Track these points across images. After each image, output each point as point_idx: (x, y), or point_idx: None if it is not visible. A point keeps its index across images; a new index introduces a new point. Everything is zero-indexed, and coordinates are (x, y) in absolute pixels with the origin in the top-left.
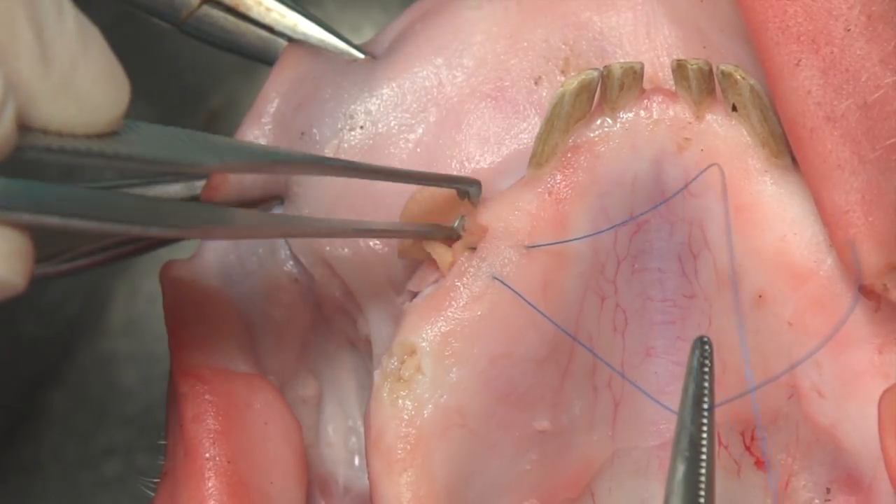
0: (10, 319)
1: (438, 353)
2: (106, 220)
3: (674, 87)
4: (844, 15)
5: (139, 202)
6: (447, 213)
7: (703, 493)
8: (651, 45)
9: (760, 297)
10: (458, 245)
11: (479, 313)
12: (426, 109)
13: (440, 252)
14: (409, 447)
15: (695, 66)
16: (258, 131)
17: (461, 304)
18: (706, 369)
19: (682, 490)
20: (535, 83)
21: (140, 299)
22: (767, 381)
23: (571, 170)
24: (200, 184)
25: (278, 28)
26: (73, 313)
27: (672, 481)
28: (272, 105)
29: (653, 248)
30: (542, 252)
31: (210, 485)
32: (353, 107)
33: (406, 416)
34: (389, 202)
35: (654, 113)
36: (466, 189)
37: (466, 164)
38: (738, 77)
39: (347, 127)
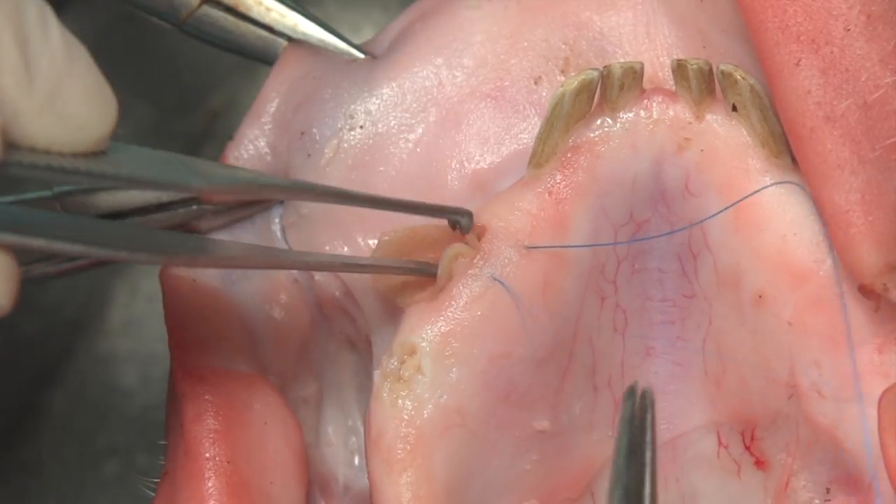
0: (10, 319)
1: (438, 353)
2: (91, 245)
3: (674, 87)
4: (844, 15)
5: (127, 229)
6: (424, 250)
7: None
8: (651, 44)
9: (760, 297)
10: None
11: (478, 313)
12: (426, 109)
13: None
14: (408, 447)
15: (695, 66)
16: (258, 131)
17: (461, 305)
18: (646, 419)
19: None
20: (535, 83)
21: (140, 299)
22: None
23: (571, 170)
24: None
25: (278, 28)
26: (73, 313)
27: None
28: (272, 105)
29: (652, 248)
30: (542, 252)
31: (210, 485)
32: (353, 106)
33: (406, 416)
34: None
35: (654, 113)
36: (458, 220)
37: (466, 163)
38: (738, 77)
39: (347, 126)
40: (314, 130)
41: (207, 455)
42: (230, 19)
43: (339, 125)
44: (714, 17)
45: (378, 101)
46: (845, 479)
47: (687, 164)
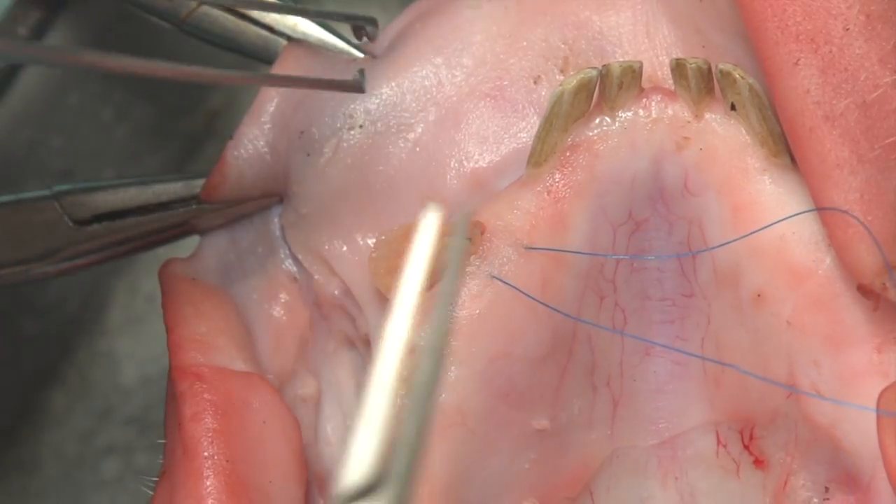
0: (10, 319)
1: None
2: None
3: (673, 87)
4: (843, 14)
5: None
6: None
7: None
8: (650, 44)
9: (759, 296)
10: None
11: (477, 312)
12: (425, 109)
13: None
14: None
15: (694, 66)
16: (258, 131)
17: (460, 303)
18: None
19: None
20: (535, 82)
21: (139, 299)
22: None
23: (570, 169)
24: (200, 182)
25: (278, 28)
26: (72, 313)
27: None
28: (272, 104)
29: (651, 247)
30: (541, 251)
31: (208, 484)
32: (352, 106)
33: None
34: (391, 203)
35: (653, 112)
36: (362, 25)
37: (465, 163)
38: (737, 76)
39: (347, 126)
40: (314, 130)
41: (206, 454)
42: (230, 19)
43: (339, 125)
44: (713, 16)
45: (377, 101)
46: (844, 479)
47: (686, 164)
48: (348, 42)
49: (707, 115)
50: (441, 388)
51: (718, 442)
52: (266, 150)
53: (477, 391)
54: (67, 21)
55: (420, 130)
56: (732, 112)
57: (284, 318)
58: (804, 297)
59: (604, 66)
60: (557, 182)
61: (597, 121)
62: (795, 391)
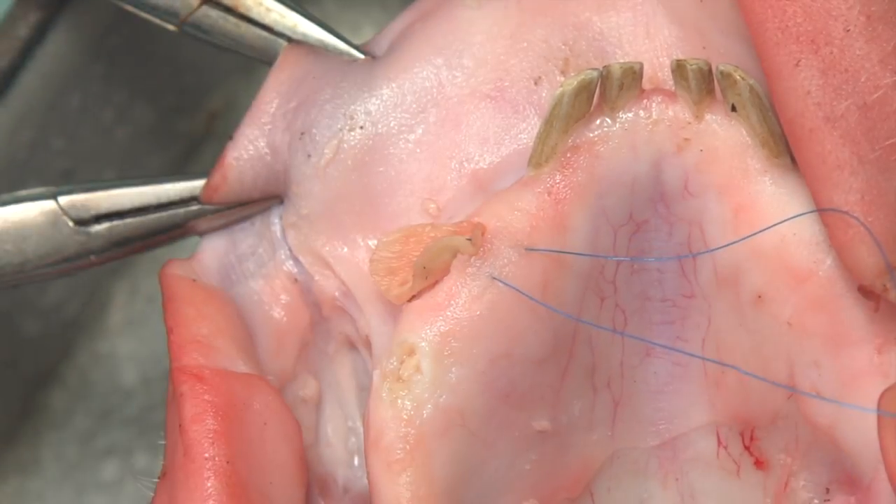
0: (10, 319)
1: (437, 354)
2: None
3: (673, 88)
4: (844, 15)
5: None
6: (416, 246)
7: None
8: (651, 45)
9: (759, 297)
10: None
11: (478, 313)
12: (426, 110)
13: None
14: (408, 447)
15: (694, 66)
16: (258, 131)
17: (460, 304)
18: None
19: None
20: (535, 83)
21: (140, 299)
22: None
23: (571, 170)
24: (200, 183)
25: (278, 28)
26: (73, 313)
27: None
28: (272, 105)
29: (652, 248)
30: (542, 252)
31: (209, 485)
32: (352, 107)
33: (405, 417)
34: (391, 203)
35: (654, 113)
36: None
37: (466, 164)
38: (738, 77)
39: (347, 127)
40: (314, 131)
41: (206, 455)
42: (230, 20)
43: (339, 125)
44: (714, 17)
45: (378, 102)
46: (845, 480)
47: (686, 165)
48: (348, 42)
49: (707, 116)
50: (442, 390)
51: (719, 443)
52: (266, 151)
53: (478, 392)
54: (67, 21)
55: (420, 131)
56: (733, 113)
57: (285, 319)
58: (805, 298)
59: (604, 67)
60: (558, 183)
61: (597, 122)
62: (796, 391)
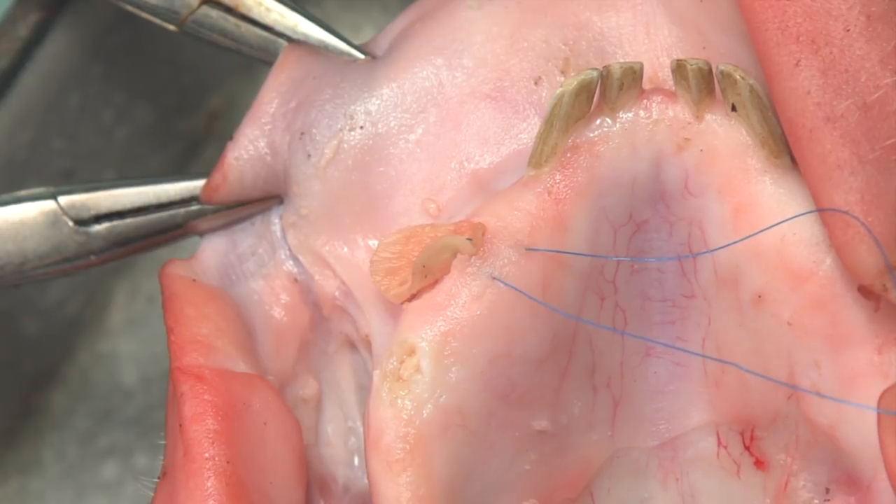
0: (10, 319)
1: (437, 353)
2: None
3: (673, 88)
4: (844, 15)
5: None
6: (416, 246)
7: None
8: (651, 45)
9: (760, 297)
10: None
11: (478, 313)
12: (426, 110)
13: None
14: (408, 447)
15: (694, 66)
16: (258, 131)
17: (460, 304)
18: None
19: None
20: (535, 83)
21: (140, 299)
22: None
23: (571, 170)
24: (200, 183)
25: (278, 28)
26: (73, 313)
27: None
28: (272, 105)
29: (652, 248)
30: (542, 252)
31: (209, 485)
32: (352, 107)
33: (405, 416)
34: (391, 204)
35: (654, 113)
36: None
37: (466, 164)
38: (738, 77)
39: (347, 127)
40: (314, 131)
41: (206, 455)
42: (230, 20)
43: (339, 126)
44: (714, 17)
45: (378, 102)
46: (845, 480)
47: (686, 165)
48: (349, 43)
49: (708, 116)
50: (442, 389)
51: (719, 443)
52: (266, 151)
53: (477, 392)
54: (67, 22)
55: (420, 131)
56: (733, 113)
57: (285, 319)
58: (805, 298)
59: (604, 67)
60: (558, 183)
61: (597, 122)
62: (797, 389)
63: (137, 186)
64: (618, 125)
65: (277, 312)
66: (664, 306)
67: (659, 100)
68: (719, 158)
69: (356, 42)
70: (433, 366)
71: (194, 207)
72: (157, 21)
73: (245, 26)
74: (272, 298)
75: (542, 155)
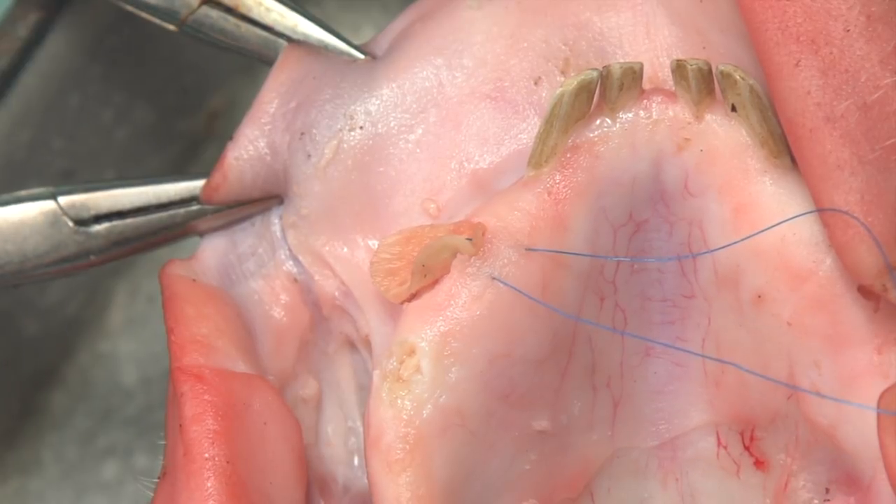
0: (10, 319)
1: (437, 354)
2: None
3: (673, 88)
4: (844, 15)
5: None
6: (416, 247)
7: None
8: (651, 45)
9: (759, 297)
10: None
11: (478, 313)
12: (426, 110)
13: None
14: (408, 447)
15: (694, 67)
16: (258, 131)
17: (460, 304)
18: None
19: None
20: (535, 83)
21: (140, 299)
22: None
23: (571, 170)
24: (200, 183)
25: (278, 28)
26: (73, 313)
27: None
28: (272, 105)
29: (652, 248)
30: (541, 252)
31: (209, 485)
32: (352, 107)
33: (405, 417)
34: (391, 204)
35: (654, 113)
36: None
37: (466, 164)
38: (738, 77)
39: (347, 127)
40: (314, 131)
41: (206, 455)
42: (230, 20)
43: (339, 126)
44: (714, 17)
45: (378, 102)
46: (845, 480)
47: (686, 165)
48: (349, 43)
49: (707, 116)
50: (441, 390)
51: (719, 443)
52: (266, 151)
53: (477, 392)
54: (67, 22)
55: (420, 131)
56: (733, 113)
57: (285, 319)
58: (804, 298)
59: (604, 67)
60: (558, 183)
61: (597, 122)
62: (797, 389)
63: (137, 186)
64: (618, 125)
65: (277, 312)
66: (664, 306)
67: (659, 100)
68: (719, 158)
69: (356, 42)
70: (433, 366)
71: (194, 207)
72: (157, 21)
73: (245, 26)
74: (272, 298)
75: (541, 155)
